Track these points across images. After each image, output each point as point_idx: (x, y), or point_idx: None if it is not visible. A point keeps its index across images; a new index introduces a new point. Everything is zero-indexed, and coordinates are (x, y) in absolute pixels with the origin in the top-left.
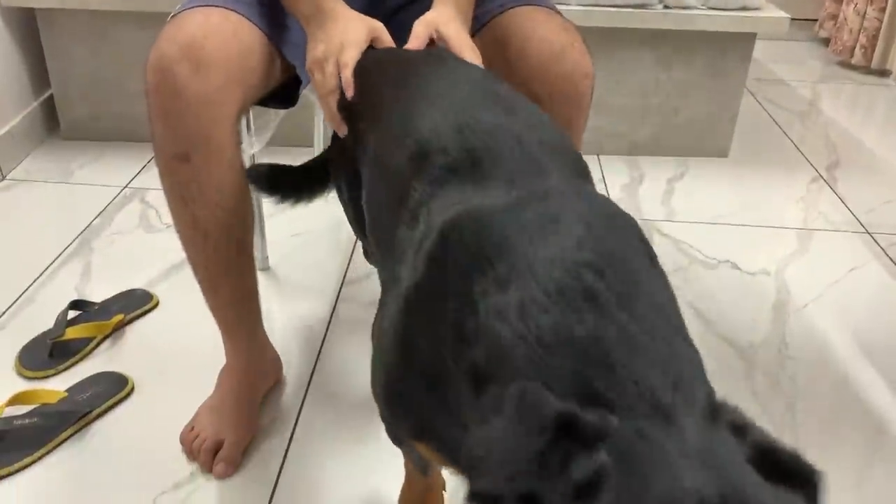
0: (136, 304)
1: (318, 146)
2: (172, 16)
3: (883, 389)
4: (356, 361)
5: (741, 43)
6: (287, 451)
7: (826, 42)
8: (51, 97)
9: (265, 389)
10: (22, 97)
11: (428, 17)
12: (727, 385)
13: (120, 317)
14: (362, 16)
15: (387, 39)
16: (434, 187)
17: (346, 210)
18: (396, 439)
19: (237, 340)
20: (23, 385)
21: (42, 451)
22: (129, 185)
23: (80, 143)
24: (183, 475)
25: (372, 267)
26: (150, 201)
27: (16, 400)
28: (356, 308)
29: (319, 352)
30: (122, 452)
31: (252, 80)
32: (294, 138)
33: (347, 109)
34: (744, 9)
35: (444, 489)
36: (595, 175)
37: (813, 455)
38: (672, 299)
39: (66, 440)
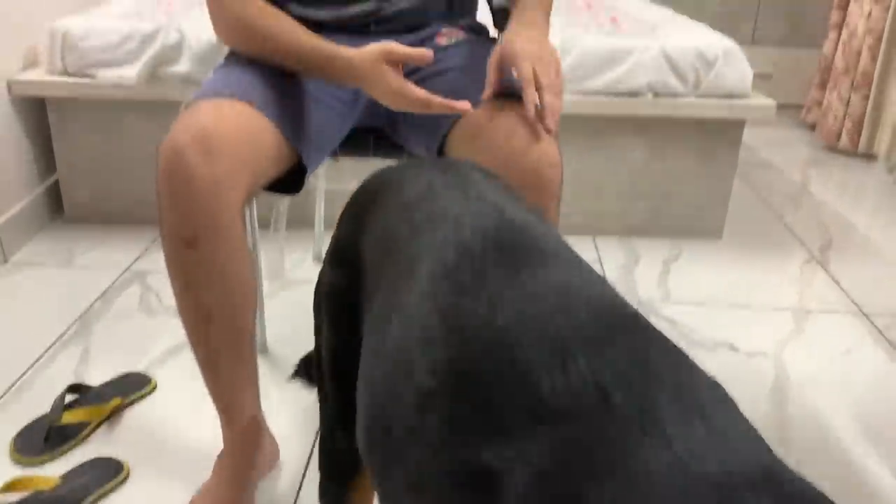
0: (133, 387)
1: (319, 228)
2: (186, 105)
3: (885, 471)
4: None
5: (730, 129)
6: None
7: (813, 127)
8: (56, 182)
9: (262, 475)
10: (28, 182)
11: (498, 47)
12: None
13: (117, 401)
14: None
15: (402, 49)
16: None
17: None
18: None
19: (235, 424)
20: (17, 472)
21: None
22: (130, 268)
23: (82, 227)
24: None
25: None
26: (151, 284)
27: (10, 487)
28: None
29: (316, 436)
30: None
31: (260, 166)
32: (296, 221)
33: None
34: (731, 97)
35: None
36: (591, 256)
37: None
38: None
39: None
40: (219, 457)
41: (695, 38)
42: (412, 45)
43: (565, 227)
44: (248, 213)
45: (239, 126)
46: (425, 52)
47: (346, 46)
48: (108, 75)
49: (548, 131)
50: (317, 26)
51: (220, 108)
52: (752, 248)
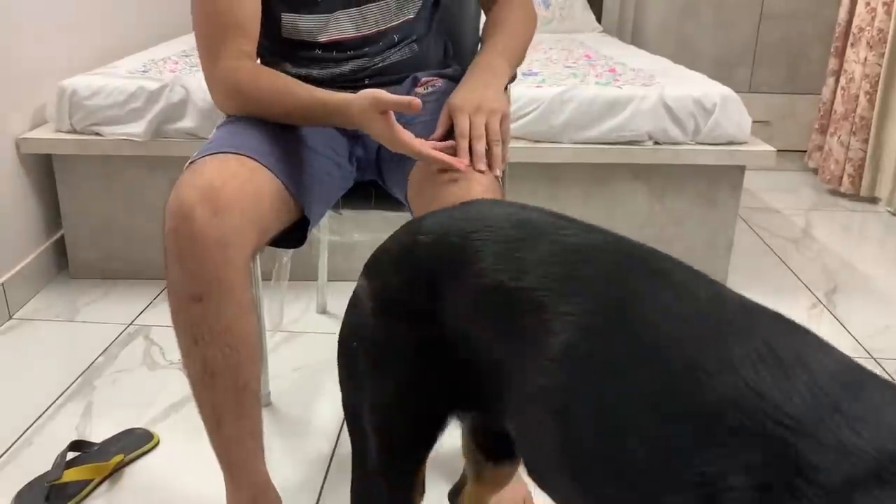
0: (136, 443)
1: (322, 280)
2: (191, 162)
3: None
4: None
5: (731, 175)
6: None
7: (815, 171)
8: (61, 238)
9: None
10: (34, 238)
11: (448, 100)
12: None
13: (119, 457)
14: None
15: (387, 97)
16: None
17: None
18: None
19: (239, 480)
20: None
21: None
22: (134, 323)
23: (87, 282)
24: None
25: None
26: (154, 338)
27: None
28: None
29: (321, 489)
30: None
31: (266, 222)
32: (298, 273)
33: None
34: (731, 143)
35: None
36: None
37: None
38: None
39: None
40: None
41: (692, 86)
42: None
43: None
44: (252, 266)
45: (244, 182)
46: (412, 101)
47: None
48: (114, 132)
49: (481, 171)
50: (309, 82)
51: (226, 164)
52: (757, 294)
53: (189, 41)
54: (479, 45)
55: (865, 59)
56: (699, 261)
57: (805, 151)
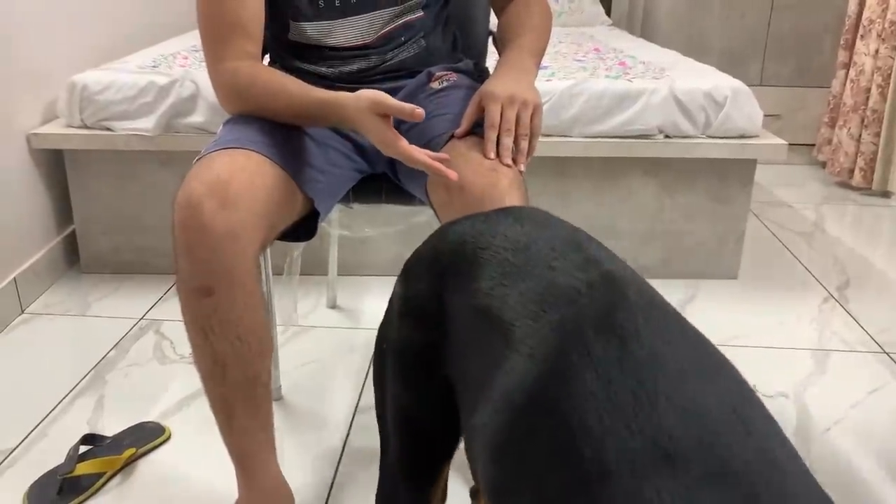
0: (147, 437)
1: (333, 274)
2: (199, 158)
3: None
4: (369, 492)
5: (742, 169)
6: None
7: (825, 165)
8: (72, 232)
9: None
10: (45, 233)
11: (481, 88)
12: None
13: (131, 451)
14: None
15: (390, 102)
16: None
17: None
18: None
19: (250, 473)
20: None
21: None
22: (145, 317)
23: (98, 277)
24: None
25: None
26: (165, 332)
27: None
28: (369, 437)
29: (332, 483)
30: None
31: (274, 215)
32: (309, 267)
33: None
34: (742, 137)
35: None
36: None
37: None
38: None
39: None
40: None
41: (703, 79)
42: (408, 91)
43: None
44: (262, 260)
45: (253, 175)
46: (415, 109)
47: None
48: (124, 127)
49: (508, 165)
50: (318, 79)
51: (233, 159)
52: (769, 288)
53: (197, 36)
54: (498, 43)
55: (877, 51)
56: (711, 256)
57: (814, 145)
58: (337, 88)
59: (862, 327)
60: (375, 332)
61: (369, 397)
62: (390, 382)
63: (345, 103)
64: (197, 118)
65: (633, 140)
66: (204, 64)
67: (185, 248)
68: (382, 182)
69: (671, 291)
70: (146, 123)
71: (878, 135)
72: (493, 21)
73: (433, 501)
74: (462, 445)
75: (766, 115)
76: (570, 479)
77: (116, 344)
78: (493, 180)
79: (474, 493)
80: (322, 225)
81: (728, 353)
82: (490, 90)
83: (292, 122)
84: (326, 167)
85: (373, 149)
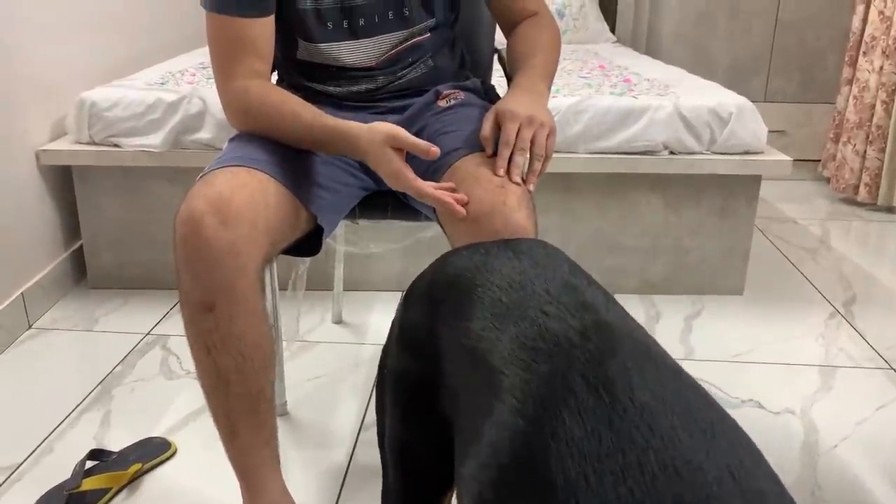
0: (153, 452)
1: (338, 290)
2: (202, 175)
3: None
4: None
5: (747, 185)
6: None
7: (829, 181)
8: (80, 248)
9: None
10: (53, 248)
11: (497, 105)
12: None
13: (137, 466)
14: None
15: (406, 136)
16: None
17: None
18: None
19: (255, 489)
20: None
21: None
22: (152, 332)
23: (105, 292)
24: None
25: None
26: (172, 348)
27: None
28: (375, 454)
29: (337, 500)
30: None
31: (277, 231)
32: (314, 283)
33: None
34: (746, 153)
35: None
36: None
37: None
38: None
39: None
40: None
41: (708, 96)
42: (416, 110)
43: None
44: (267, 275)
45: (255, 192)
46: (431, 147)
47: (352, 120)
48: (132, 143)
49: (517, 183)
50: (325, 98)
51: (236, 176)
52: (775, 304)
53: (205, 53)
54: (508, 63)
55: (881, 67)
56: (716, 271)
57: (819, 161)
58: (344, 107)
59: (868, 343)
60: (380, 348)
61: (375, 413)
62: (389, 410)
63: (357, 134)
64: (204, 134)
65: (638, 156)
66: (212, 81)
67: (187, 264)
68: (388, 198)
69: (677, 307)
70: (154, 140)
71: (882, 150)
72: (497, 39)
73: None
74: None
75: (770, 131)
76: None
77: (123, 359)
78: (501, 198)
79: None
80: (328, 241)
81: (734, 369)
82: (508, 108)
83: (299, 145)
84: (331, 184)
85: None
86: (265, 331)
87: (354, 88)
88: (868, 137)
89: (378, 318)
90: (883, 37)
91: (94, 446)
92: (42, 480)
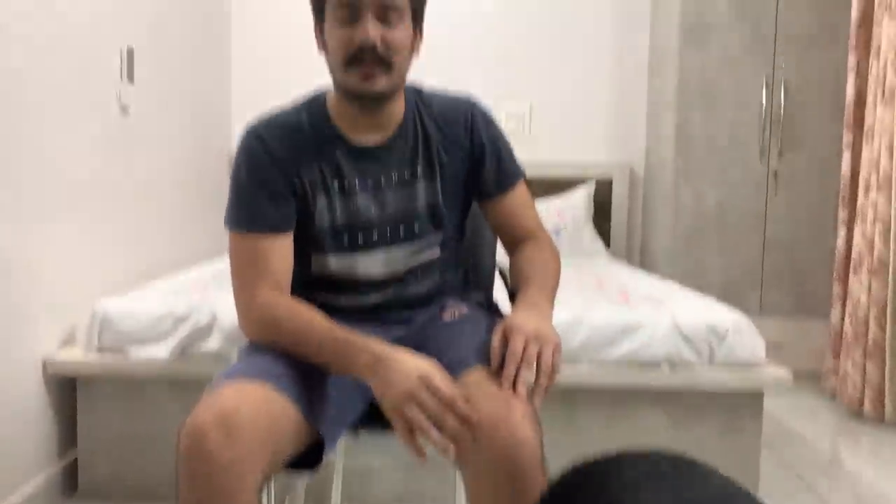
0: None
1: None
2: (209, 388)
3: None
4: None
5: (750, 400)
6: None
7: (833, 395)
8: (74, 459)
9: None
10: (45, 458)
11: (504, 321)
12: None
13: None
14: (417, 354)
15: (443, 375)
16: None
17: None
18: None
19: None
20: None
21: None
22: None
23: None
24: None
25: None
26: None
27: None
28: None
29: None
30: None
31: (280, 446)
32: (311, 499)
33: None
34: (746, 367)
35: None
36: None
37: None
38: None
39: None
40: None
41: (704, 310)
42: (421, 323)
43: None
44: (264, 495)
45: (259, 407)
46: (458, 394)
47: (360, 333)
48: (139, 353)
49: (522, 397)
50: (335, 311)
51: (242, 390)
52: None
53: (218, 264)
54: (511, 281)
55: (870, 285)
56: None
57: (820, 374)
58: (352, 319)
59: None
60: None
61: None
62: None
63: (400, 358)
64: (212, 345)
65: (639, 370)
66: (223, 292)
67: (189, 478)
68: None
69: None
70: (161, 350)
71: (882, 365)
72: (499, 256)
73: None
74: None
75: (768, 344)
76: None
77: None
78: (506, 412)
79: None
80: (327, 454)
81: None
82: (516, 324)
83: (314, 359)
84: (335, 395)
85: None
86: None
87: (363, 302)
88: (866, 352)
89: None
90: (867, 257)
91: None
92: None
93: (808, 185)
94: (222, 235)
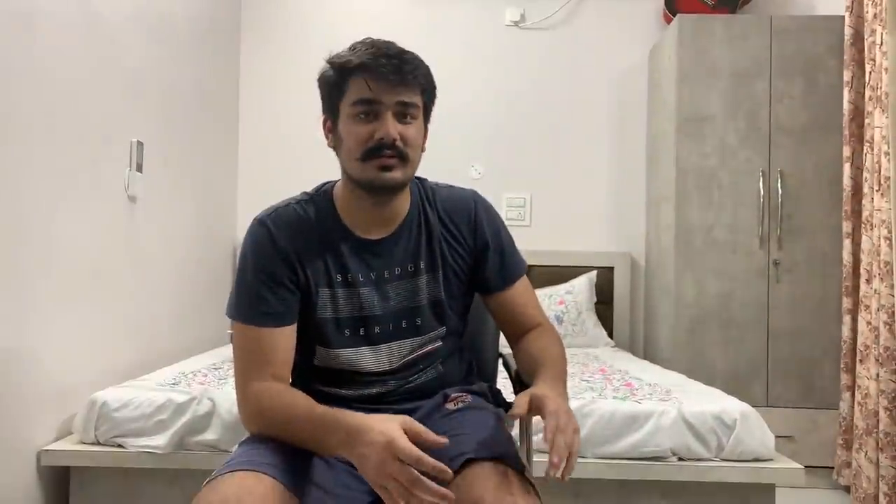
0: None
1: None
2: (209, 479)
3: None
4: None
5: (761, 493)
6: None
7: (847, 489)
8: None
9: None
10: None
11: (531, 390)
12: None
13: None
14: (387, 416)
15: (419, 428)
16: None
17: None
18: None
19: None
20: None
21: None
22: None
23: None
24: None
25: None
26: None
27: None
28: None
29: None
30: None
31: None
32: None
33: None
34: (756, 460)
35: None
36: None
37: None
38: None
39: None
40: None
41: (710, 402)
42: (425, 412)
43: None
44: None
45: (260, 498)
46: (439, 439)
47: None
48: (136, 444)
49: (559, 479)
50: (337, 400)
51: (243, 482)
52: None
53: (219, 354)
54: (523, 371)
55: (878, 375)
56: None
57: (832, 468)
58: (355, 408)
59: None
60: None
61: None
62: None
63: (370, 426)
64: (210, 436)
65: (648, 462)
66: (223, 382)
67: None
68: None
69: None
70: (159, 441)
71: (895, 458)
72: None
73: None
74: None
75: (778, 437)
76: None
77: None
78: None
79: None
80: None
81: None
82: (547, 398)
83: (306, 444)
84: (337, 489)
85: None
86: None
87: (366, 392)
88: (878, 444)
89: None
90: (874, 345)
91: None
92: None
93: (809, 274)
94: (224, 326)
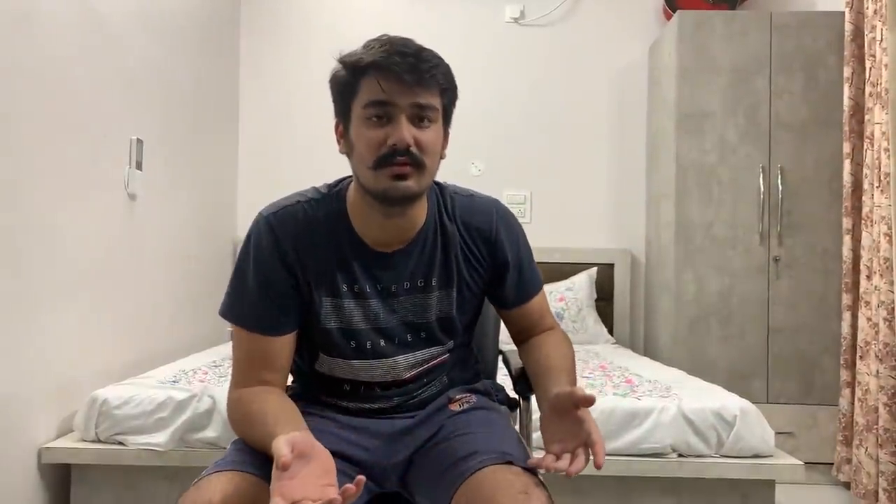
0: None
1: None
2: (198, 479)
3: None
4: None
5: (761, 489)
6: None
7: (847, 485)
8: None
9: None
10: None
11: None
12: None
13: None
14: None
15: (304, 441)
16: None
17: None
18: None
19: None
20: None
21: None
22: None
23: None
24: None
25: None
26: None
27: None
28: None
29: None
30: None
31: None
32: None
33: None
34: (756, 456)
35: None
36: None
37: None
38: None
39: None
40: None
41: (711, 398)
42: (428, 413)
43: None
44: None
45: (245, 497)
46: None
47: (362, 427)
48: (137, 442)
49: (597, 466)
50: (338, 411)
51: (229, 481)
52: None
53: (219, 352)
54: (509, 363)
55: (878, 371)
56: None
57: (832, 464)
58: (359, 416)
59: None
60: None
61: None
62: None
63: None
64: (210, 433)
65: (648, 459)
66: (223, 379)
67: None
68: (397, 501)
69: None
70: (159, 438)
71: (895, 454)
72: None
73: None
74: None
75: (778, 433)
76: None
77: None
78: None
79: None
80: None
81: None
82: (586, 393)
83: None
84: None
85: (379, 467)
86: None
87: (367, 406)
88: (878, 440)
89: None
90: (874, 342)
91: None
92: None
93: (809, 270)
94: (224, 323)
